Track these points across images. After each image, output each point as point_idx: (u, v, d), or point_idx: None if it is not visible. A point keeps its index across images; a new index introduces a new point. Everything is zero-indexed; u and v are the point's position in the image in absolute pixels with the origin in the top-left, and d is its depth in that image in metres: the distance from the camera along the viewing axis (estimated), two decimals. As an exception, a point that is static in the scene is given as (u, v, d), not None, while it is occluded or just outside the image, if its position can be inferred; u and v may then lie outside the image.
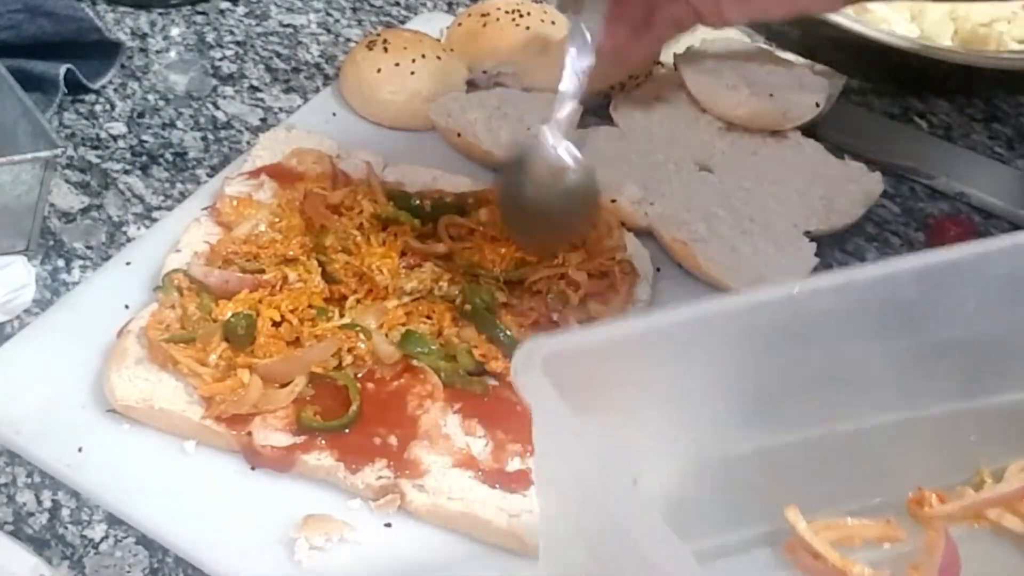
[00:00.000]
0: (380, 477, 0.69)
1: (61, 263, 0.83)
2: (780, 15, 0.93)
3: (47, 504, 0.69)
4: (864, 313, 0.60)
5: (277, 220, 0.82)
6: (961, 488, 0.67)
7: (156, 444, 0.71)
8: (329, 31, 1.08)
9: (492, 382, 0.75)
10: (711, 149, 0.94)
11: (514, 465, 0.70)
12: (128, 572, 0.66)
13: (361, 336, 0.74)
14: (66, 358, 0.75)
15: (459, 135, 0.93)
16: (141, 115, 0.96)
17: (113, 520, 0.68)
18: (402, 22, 1.09)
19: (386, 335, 0.75)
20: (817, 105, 0.95)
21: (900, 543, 0.66)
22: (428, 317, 0.77)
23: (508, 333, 0.76)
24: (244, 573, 0.66)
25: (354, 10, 1.11)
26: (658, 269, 0.85)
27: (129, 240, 0.85)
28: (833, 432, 0.63)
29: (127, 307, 0.78)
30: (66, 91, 0.94)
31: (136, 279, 0.80)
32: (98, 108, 0.96)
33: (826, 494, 0.65)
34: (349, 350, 0.73)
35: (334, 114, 0.97)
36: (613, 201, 0.87)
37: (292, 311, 0.75)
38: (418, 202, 0.84)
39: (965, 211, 0.96)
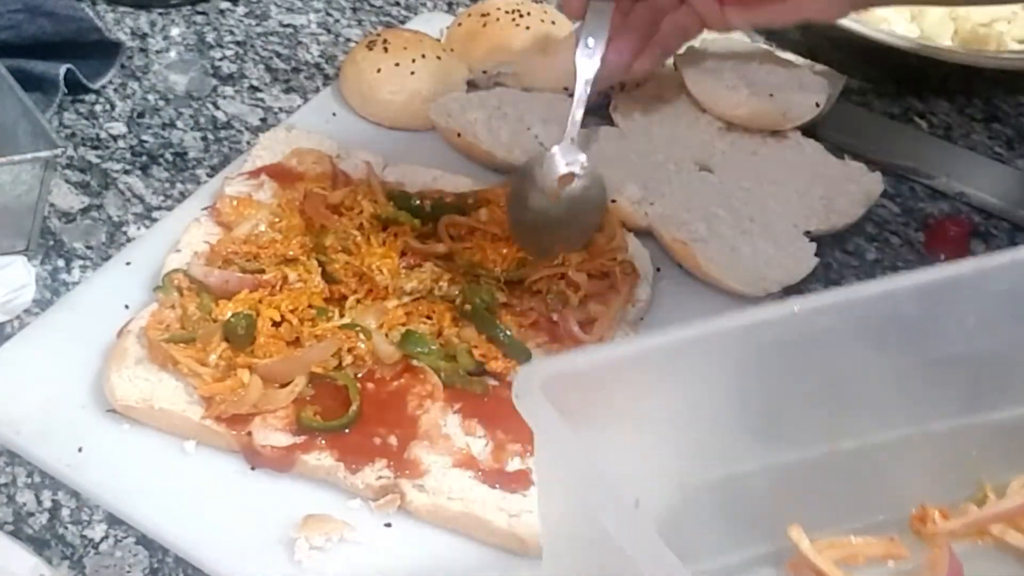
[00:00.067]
0: (380, 477, 0.69)
1: (61, 263, 0.83)
2: (784, 22, 0.94)
3: (47, 504, 0.69)
4: (865, 330, 0.60)
5: (277, 220, 0.82)
6: (964, 505, 0.67)
7: (156, 444, 0.71)
8: (329, 31, 1.08)
9: (492, 382, 0.75)
10: (711, 149, 0.94)
11: (514, 465, 0.70)
12: (128, 572, 0.66)
13: (361, 336, 0.74)
14: (66, 358, 0.75)
15: (459, 135, 0.93)
16: (141, 115, 0.96)
17: (113, 520, 0.68)
18: (402, 22, 1.09)
19: (386, 335, 0.75)
20: (817, 105, 0.95)
21: (904, 560, 0.65)
22: (428, 317, 0.77)
23: (508, 333, 0.76)
24: (244, 573, 0.66)
25: (354, 10, 1.11)
26: (658, 269, 0.85)
27: (129, 240, 0.85)
28: (835, 450, 0.63)
29: (127, 307, 0.78)
30: (66, 91, 0.94)
31: (136, 279, 0.80)
32: (98, 108, 0.96)
33: (829, 512, 0.64)
34: (349, 350, 0.73)
35: (334, 114, 0.97)
36: (613, 201, 0.87)
37: (292, 311, 0.75)
38: (418, 202, 0.84)
39: (965, 211, 0.96)
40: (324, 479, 0.70)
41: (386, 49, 0.96)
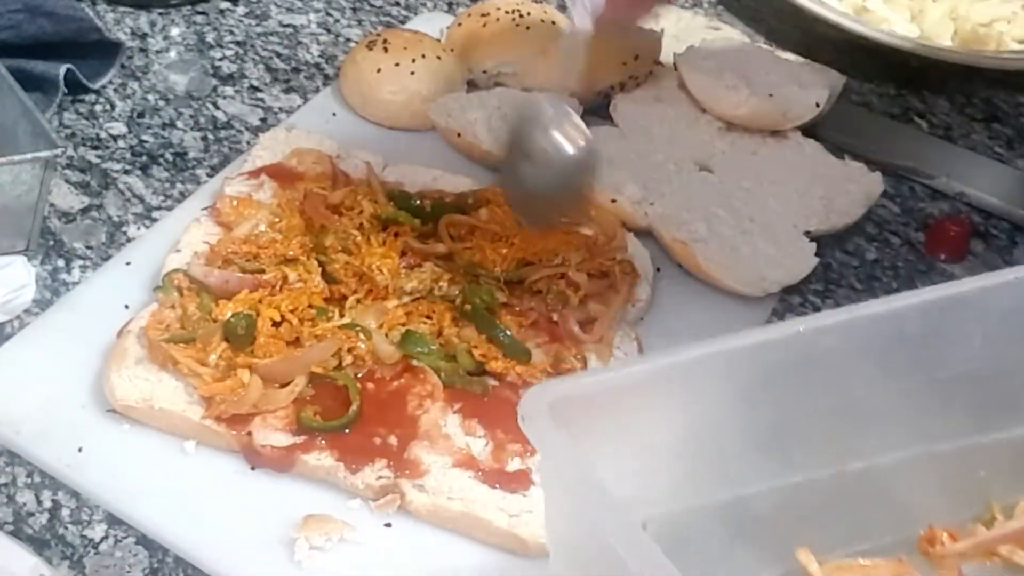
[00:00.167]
0: (380, 477, 0.69)
1: (61, 263, 0.83)
2: None
3: (47, 504, 0.69)
4: (870, 350, 0.60)
5: (277, 220, 0.82)
6: (972, 526, 0.66)
7: (156, 444, 0.71)
8: (329, 31, 1.08)
9: (492, 382, 0.75)
10: (711, 149, 0.94)
11: (514, 465, 0.70)
12: (128, 572, 0.66)
13: (361, 336, 0.74)
14: (66, 358, 0.75)
15: (459, 135, 0.93)
16: (141, 115, 0.96)
17: (113, 520, 0.68)
18: (402, 22, 1.09)
19: (386, 335, 0.75)
20: (817, 105, 0.95)
21: None
22: (428, 317, 0.77)
23: (508, 333, 0.76)
24: (244, 573, 0.66)
25: (354, 10, 1.11)
26: (658, 269, 0.85)
27: (129, 240, 0.85)
28: (842, 470, 0.63)
29: (127, 307, 0.78)
30: (66, 91, 0.94)
31: (136, 279, 0.80)
32: (98, 108, 0.96)
33: (837, 534, 0.64)
34: (349, 350, 0.73)
35: (334, 114, 0.97)
36: (613, 201, 0.87)
37: (292, 311, 0.75)
38: (418, 202, 0.84)
39: (965, 211, 0.96)
40: (324, 479, 0.70)
41: (386, 49, 0.96)
